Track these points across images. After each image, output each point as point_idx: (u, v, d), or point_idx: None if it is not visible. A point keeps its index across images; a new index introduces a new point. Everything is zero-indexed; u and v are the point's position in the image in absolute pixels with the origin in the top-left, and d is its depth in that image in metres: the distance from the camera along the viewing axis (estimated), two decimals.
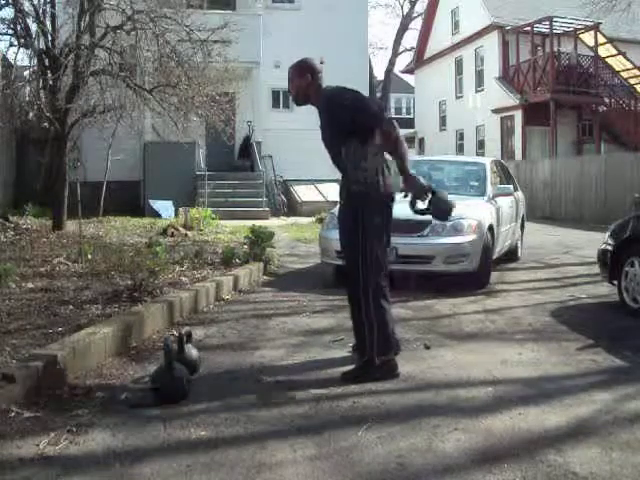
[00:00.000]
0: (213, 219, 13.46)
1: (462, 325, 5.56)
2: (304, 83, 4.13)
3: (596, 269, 6.96)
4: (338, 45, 19.16)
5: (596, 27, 22.26)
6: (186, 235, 11.22)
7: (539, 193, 20.06)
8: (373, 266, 3.96)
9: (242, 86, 16.72)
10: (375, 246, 3.98)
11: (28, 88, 12.17)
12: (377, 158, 4.02)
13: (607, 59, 23.62)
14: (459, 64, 28.02)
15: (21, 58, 23.67)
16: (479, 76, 26.45)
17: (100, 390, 3.65)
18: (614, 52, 23.65)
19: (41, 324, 4.61)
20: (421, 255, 7.03)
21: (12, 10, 10.54)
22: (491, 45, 25.22)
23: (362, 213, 3.97)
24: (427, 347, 4.71)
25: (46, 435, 3.02)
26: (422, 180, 4.02)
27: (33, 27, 10.63)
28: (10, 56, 13.39)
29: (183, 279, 6.59)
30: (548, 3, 23.31)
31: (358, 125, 3.96)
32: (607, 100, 23.02)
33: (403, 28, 35.80)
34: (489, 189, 8.34)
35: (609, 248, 6.43)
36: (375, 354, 3.94)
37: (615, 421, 3.35)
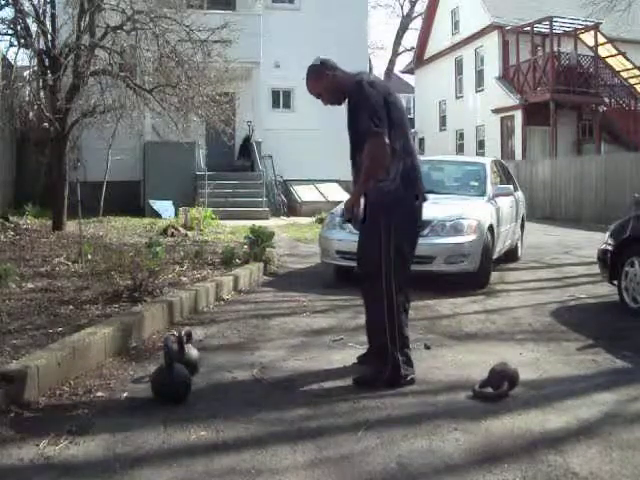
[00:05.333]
0: (213, 219, 13.46)
1: (462, 325, 5.55)
2: (328, 82, 3.96)
3: (596, 269, 6.96)
4: (338, 45, 19.11)
5: (596, 27, 22.26)
6: (186, 235, 11.22)
7: (539, 193, 20.05)
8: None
9: (242, 86, 16.72)
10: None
11: (28, 88, 12.17)
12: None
13: (607, 59, 23.61)
14: (459, 64, 28.01)
15: (21, 58, 23.64)
16: (479, 76, 26.45)
17: (100, 390, 3.65)
18: (614, 52, 23.65)
19: (41, 324, 4.60)
20: (421, 255, 6.95)
21: (12, 10, 10.55)
22: (491, 45, 25.22)
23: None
24: (427, 347, 4.70)
25: (46, 435, 3.02)
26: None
27: (33, 27, 10.63)
28: (10, 56, 13.43)
29: (183, 279, 6.59)
30: (548, 3, 23.32)
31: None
32: (607, 100, 23.03)
33: (403, 28, 35.83)
34: (489, 189, 8.33)
35: (609, 248, 6.43)
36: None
37: (615, 421, 3.35)
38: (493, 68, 25.14)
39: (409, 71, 35.12)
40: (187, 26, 10.90)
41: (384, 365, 3.87)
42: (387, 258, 3.82)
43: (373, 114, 3.74)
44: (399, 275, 3.87)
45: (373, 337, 4.07)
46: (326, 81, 3.97)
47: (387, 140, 3.72)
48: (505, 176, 9.82)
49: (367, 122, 3.74)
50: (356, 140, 3.89)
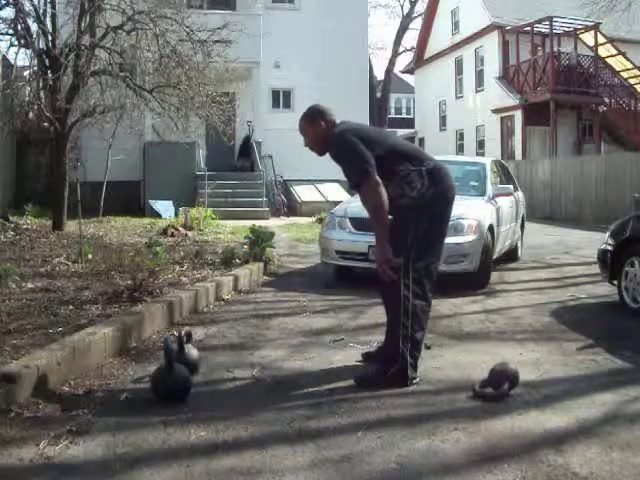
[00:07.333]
0: (213, 219, 13.46)
1: (462, 325, 5.55)
2: (317, 130, 4.03)
3: (596, 269, 6.96)
4: (338, 45, 19.17)
5: (596, 27, 22.26)
6: (186, 235, 11.22)
7: (539, 193, 20.05)
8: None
9: (242, 86, 16.74)
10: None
11: (28, 88, 12.18)
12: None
13: (607, 59, 23.61)
14: (459, 64, 28.01)
15: (21, 58, 23.70)
16: (479, 76, 26.44)
17: (100, 390, 3.65)
18: (614, 52, 23.64)
19: (41, 324, 4.61)
20: None
21: (12, 10, 10.56)
22: (491, 45, 25.21)
23: None
24: (427, 347, 4.69)
25: (46, 435, 3.02)
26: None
27: (33, 27, 10.65)
28: (10, 56, 13.44)
29: (183, 279, 6.59)
30: (548, 3, 23.29)
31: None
32: (607, 100, 23.02)
33: (403, 28, 35.78)
34: (489, 189, 8.33)
35: (609, 248, 6.43)
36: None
37: (615, 421, 3.35)
38: (493, 68, 25.14)
39: (409, 71, 35.10)
40: (187, 26, 10.91)
41: (391, 364, 3.90)
42: (408, 260, 3.86)
43: (354, 161, 3.82)
44: (420, 277, 3.93)
45: (390, 336, 4.13)
46: (317, 128, 4.05)
47: (376, 177, 3.75)
48: (505, 176, 9.82)
49: (351, 171, 3.86)
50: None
